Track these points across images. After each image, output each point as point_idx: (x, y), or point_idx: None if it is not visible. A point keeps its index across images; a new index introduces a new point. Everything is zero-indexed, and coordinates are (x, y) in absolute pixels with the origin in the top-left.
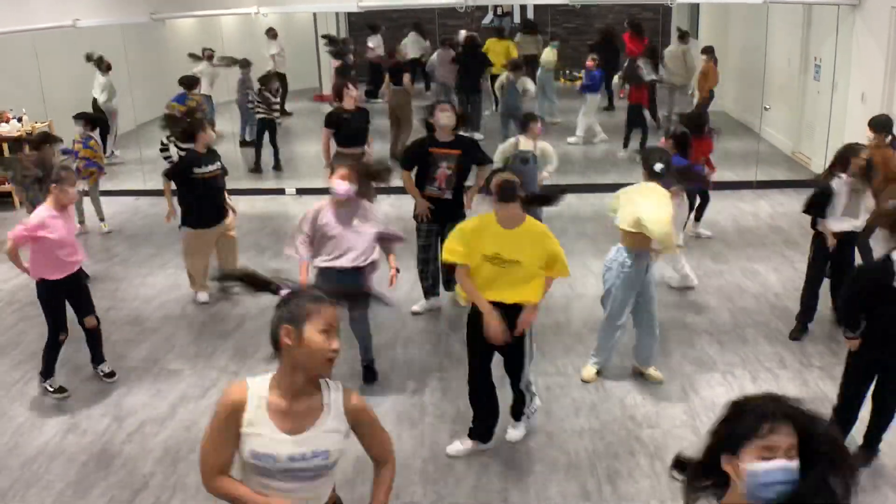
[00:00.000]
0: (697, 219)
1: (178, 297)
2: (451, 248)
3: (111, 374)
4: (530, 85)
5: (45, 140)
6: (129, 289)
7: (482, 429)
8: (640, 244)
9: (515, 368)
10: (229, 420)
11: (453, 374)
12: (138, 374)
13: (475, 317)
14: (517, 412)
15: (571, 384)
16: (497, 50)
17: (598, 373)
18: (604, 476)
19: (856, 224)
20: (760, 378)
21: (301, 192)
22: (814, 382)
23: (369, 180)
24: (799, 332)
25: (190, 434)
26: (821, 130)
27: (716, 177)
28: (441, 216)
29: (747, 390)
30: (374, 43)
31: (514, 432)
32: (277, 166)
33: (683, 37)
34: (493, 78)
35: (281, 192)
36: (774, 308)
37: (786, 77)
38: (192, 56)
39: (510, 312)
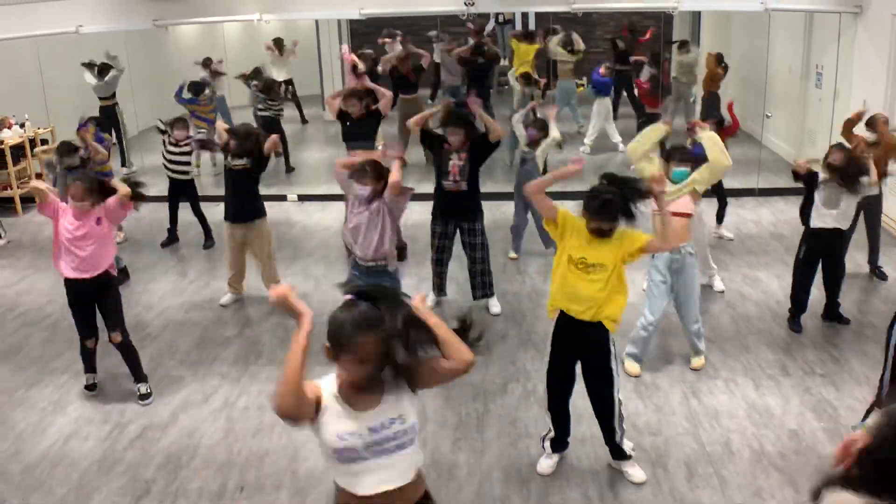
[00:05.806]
0: (719, 221)
1: (180, 304)
2: (563, 214)
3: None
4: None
5: None
6: (130, 295)
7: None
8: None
9: (603, 394)
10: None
11: (454, 381)
12: None
13: (558, 323)
14: (618, 451)
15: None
16: (522, 50)
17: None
18: (605, 483)
19: None
20: (763, 385)
21: (303, 198)
22: (816, 390)
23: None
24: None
25: (192, 440)
26: (823, 138)
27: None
28: (456, 213)
29: (750, 398)
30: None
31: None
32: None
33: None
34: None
35: (283, 198)
36: (776, 315)
37: (787, 85)
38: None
39: (586, 330)
